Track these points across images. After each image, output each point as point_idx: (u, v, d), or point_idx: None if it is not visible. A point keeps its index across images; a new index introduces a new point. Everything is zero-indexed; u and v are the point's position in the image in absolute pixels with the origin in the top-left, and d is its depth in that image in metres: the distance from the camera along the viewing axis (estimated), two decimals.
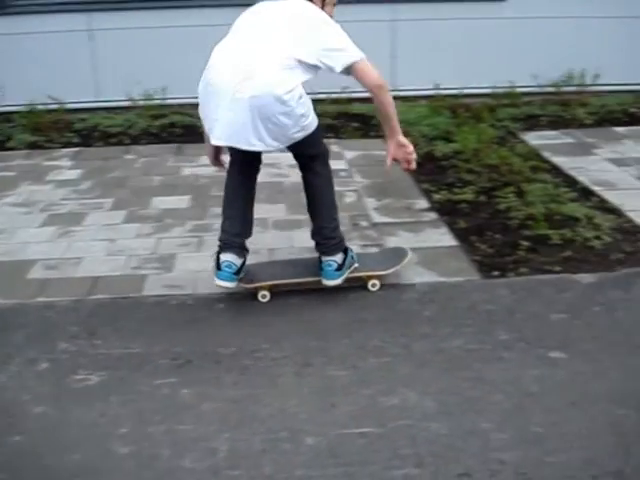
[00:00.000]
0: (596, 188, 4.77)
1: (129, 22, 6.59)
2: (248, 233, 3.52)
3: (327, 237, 3.48)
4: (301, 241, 4.00)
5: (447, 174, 5.00)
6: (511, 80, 6.65)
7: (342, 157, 5.41)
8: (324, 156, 3.50)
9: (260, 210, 4.44)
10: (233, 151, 3.40)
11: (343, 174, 5.06)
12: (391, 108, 3.28)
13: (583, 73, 6.72)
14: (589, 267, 3.74)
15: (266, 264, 3.79)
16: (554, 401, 2.74)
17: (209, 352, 3.08)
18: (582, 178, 4.94)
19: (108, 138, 6.10)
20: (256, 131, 3.12)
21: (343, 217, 4.30)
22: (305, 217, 4.29)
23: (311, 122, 3.25)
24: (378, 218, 4.36)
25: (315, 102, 3.31)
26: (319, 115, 3.30)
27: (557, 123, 6.28)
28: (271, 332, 3.22)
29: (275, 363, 3.00)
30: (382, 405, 2.73)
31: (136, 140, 6.04)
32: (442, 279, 3.64)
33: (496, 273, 3.68)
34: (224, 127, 3.16)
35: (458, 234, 4.11)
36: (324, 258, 3.47)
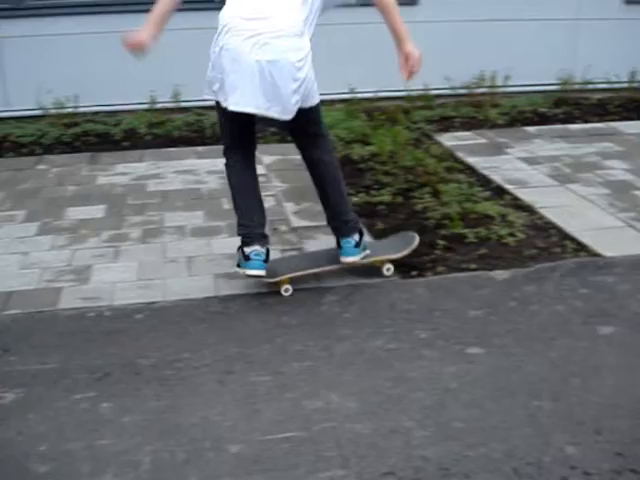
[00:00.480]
0: (509, 186, 4.89)
1: (38, 29, 6.43)
2: (265, 221, 3.59)
3: (344, 220, 3.60)
4: (221, 248, 3.98)
5: (365, 177, 5.05)
6: (425, 83, 6.76)
7: (260, 162, 5.38)
8: (327, 137, 3.61)
9: (177, 218, 4.43)
10: (237, 144, 3.51)
11: (262, 179, 5.01)
12: (396, 5, 3.42)
13: (494, 75, 6.89)
14: (504, 264, 3.83)
15: (284, 259, 3.84)
16: (473, 396, 2.80)
17: (128, 364, 3.02)
18: (495, 177, 5.07)
19: (19, 148, 5.92)
20: (271, 96, 3.16)
21: None
22: (223, 223, 4.30)
23: (316, 89, 3.37)
24: (297, 222, 4.36)
25: None
26: None
27: (470, 124, 6.42)
28: (191, 341, 3.18)
29: (196, 372, 2.97)
30: (306, 409, 2.73)
31: (49, 150, 5.88)
32: (362, 280, 3.66)
33: (414, 273, 3.74)
34: (240, 92, 3.17)
35: (377, 235, 4.15)
36: (342, 239, 3.58)
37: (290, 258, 3.87)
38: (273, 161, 5.46)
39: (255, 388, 2.85)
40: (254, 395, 2.81)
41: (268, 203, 4.60)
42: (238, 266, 3.53)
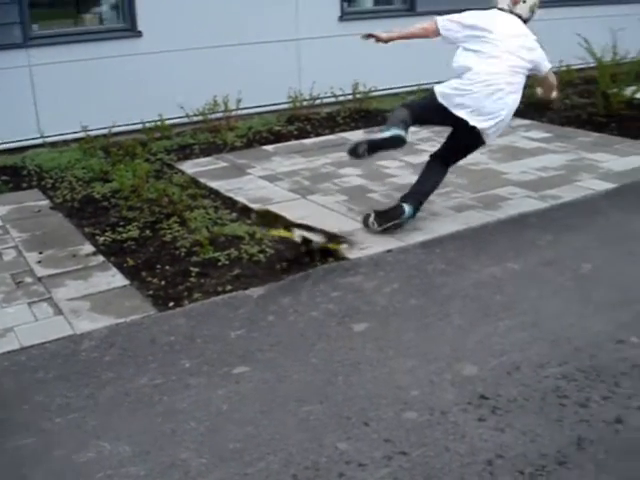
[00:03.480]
0: (254, 205, 5.02)
1: None
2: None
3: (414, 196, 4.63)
4: None
5: (109, 214, 4.93)
6: (160, 113, 6.75)
7: None
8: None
9: None
10: None
11: None
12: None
13: (227, 99, 7.02)
14: (258, 281, 3.92)
15: None
16: (245, 414, 2.83)
17: None
18: (240, 198, 5.17)
19: None
20: None
21: (4, 277, 4.07)
22: None
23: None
24: (43, 271, 4.14)
25: None
26: None
27: (210, 149, 6.52)
28: None
29: None
30: (77, 462, 2.61)
31: None
32: (119, 320, 3.56)
33: (172, 304, 3.70)
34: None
35: (128, 273, 4.07)
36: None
37: None
38: (8, 211, 5.15)
39: (19, 452, 2.67)
40: (19, 460, 2.64)
41: (8, 256, 4.37)
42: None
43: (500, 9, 4.57)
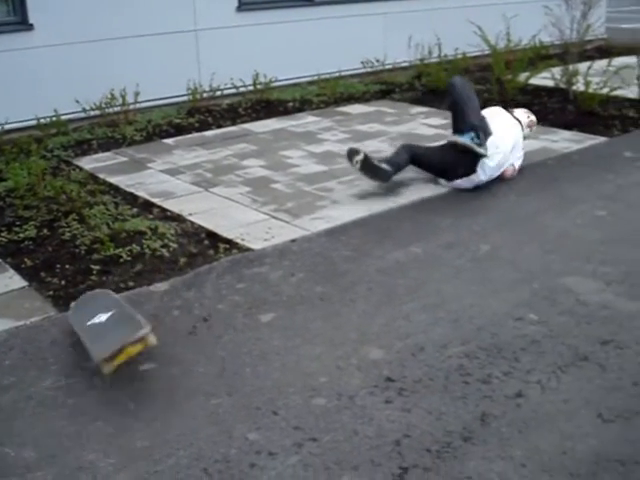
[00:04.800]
0: (155, 200, 4.94)
1: None
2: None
3: None
4: None
5: (4, 214, 4.75)
6: (55, 108, 6.56)
7: None
8: None
9: None
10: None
11: None
12: None
13: (124, 92, 6.88)
14: (162, 276, 3.86)
15: None
16: (153, 411, 2.80)
17: None
18: (141, 193, 5.09)
19: None
20: None
21: None
22: None
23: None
24: None
25: None
26: None
27: (108, 144, 6.36)
28: None
29: None
30: None
31: None
32: (19, 323, 3.44)
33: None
34: None
35: (27, 273, 3.93)
36: None
37: None
38: None
39: None
40: None
41: None
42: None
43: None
